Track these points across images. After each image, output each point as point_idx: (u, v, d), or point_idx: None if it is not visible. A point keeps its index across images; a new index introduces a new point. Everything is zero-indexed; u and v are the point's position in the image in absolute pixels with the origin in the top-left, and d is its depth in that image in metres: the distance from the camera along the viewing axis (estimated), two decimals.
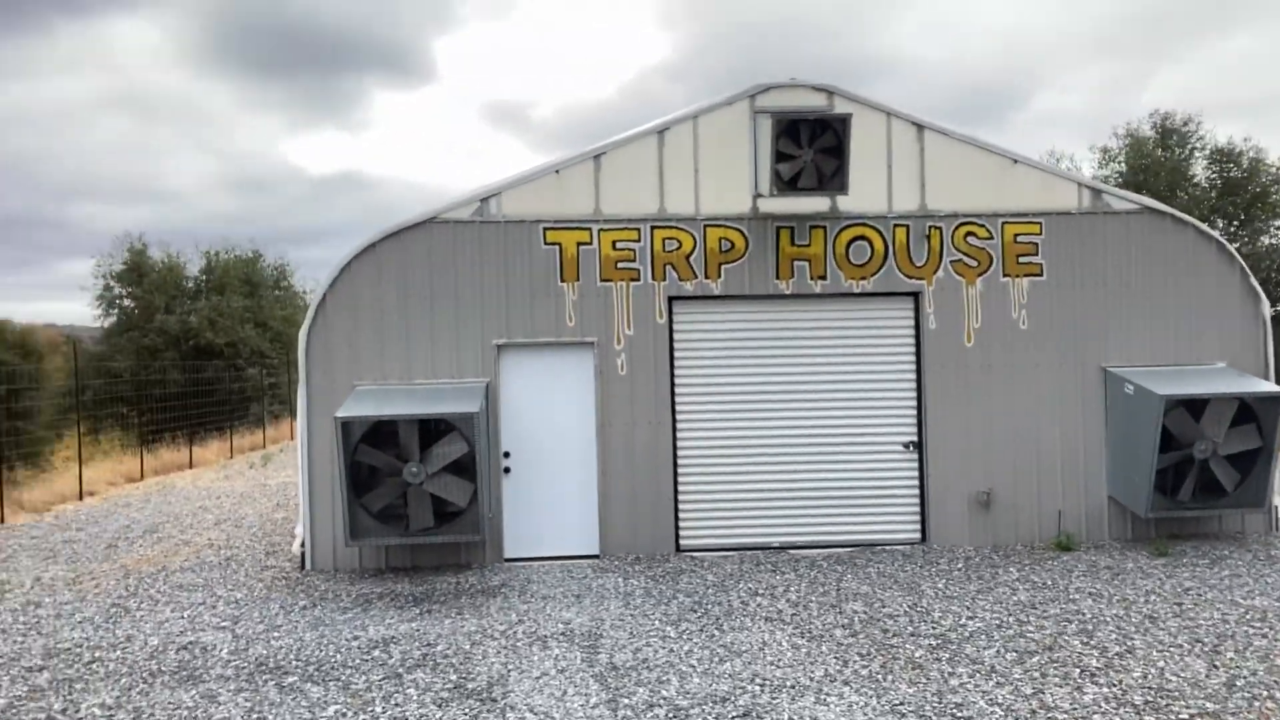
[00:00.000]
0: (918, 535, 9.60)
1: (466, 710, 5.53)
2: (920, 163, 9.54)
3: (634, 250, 9.35)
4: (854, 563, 8.91)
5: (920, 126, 9.55)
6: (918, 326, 9.62)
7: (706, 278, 9.40)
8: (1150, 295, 9.70)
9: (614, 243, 9.33)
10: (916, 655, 6.31)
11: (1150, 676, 5.84)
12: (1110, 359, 9.65)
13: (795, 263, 9.46)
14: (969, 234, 9.58)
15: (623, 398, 9.34)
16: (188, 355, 23.83)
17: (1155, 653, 6.27)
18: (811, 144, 8.77)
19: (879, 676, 5.93)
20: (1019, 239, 9.61)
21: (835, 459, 9.58)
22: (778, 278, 9.46)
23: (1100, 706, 5.40)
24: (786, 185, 8.87)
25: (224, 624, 7.39)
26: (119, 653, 6.75)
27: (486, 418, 8.83)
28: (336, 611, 7.66)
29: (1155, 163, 25.00)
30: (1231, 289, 9.75)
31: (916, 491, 9.63)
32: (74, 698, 5.90)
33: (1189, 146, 25.38)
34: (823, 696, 5.62)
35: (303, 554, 9.11)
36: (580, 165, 9.35)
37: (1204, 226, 9.88)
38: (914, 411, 9.64)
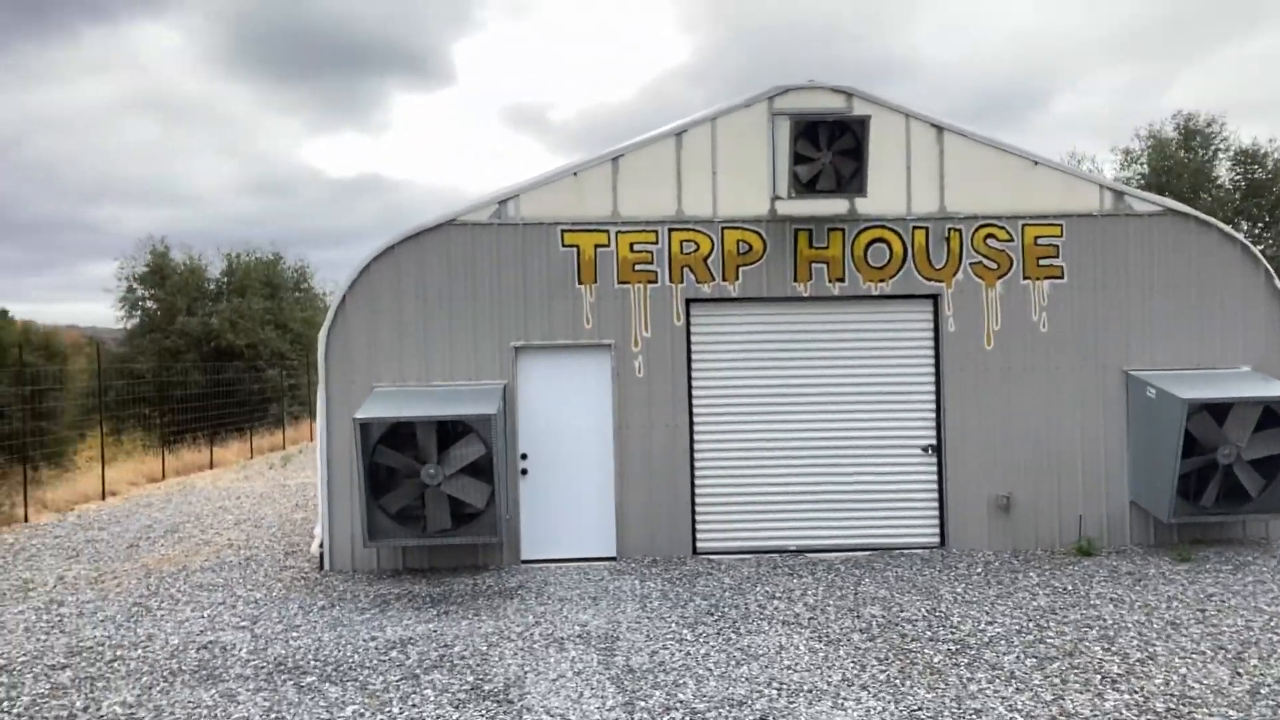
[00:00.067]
0: (936, 539, 9.55)
1: (483, 711, 5.54)
2: (939, 164, 9.49)
3: (652, 252, 9.35)
4: (872, 567, 8.87)
5: (940, 128, 9.50)
6: (937, 329, 9.57)
7: (724, 280, 9.38)
8: (1173, 298, 9.60)
9: (632, 245, 9.33)
10: (935, 660, 6.27)
11: (1172, 683, 5.78)
12: (1132, 362, 9.56)
13: (813, 265, 9.43)
14: (989, 236, 9.52)
15: (640, 400, 9.34)
16: (209, 356, 24.02)
17: (1177, 659, 6.20)
18: (830, 146, 8.75)
19: (897, 681, 5.90)
20: (1039, 241, 9.54)
21: (853, 462, 9.54)
22: (795, 280, 9.43)
23: (1121, 713, 5.34)
24: (805, 187, 8.84)
25: (243, 624, 7.44)
26: (140, 651, 6.81)
27: (504, 419, 8.86)
28: (354, 612, 7.70)
29: (1178, 164, 24.74)
30: (1256, 292, 9.64)
31: (935, 495, 9.57)
32: (95, 696, 5.96)
33: (1212, 148, 25.12)
34: (840, 701, 5.59)
35: (321, 554, 9.16)
36: (598, 167, 9.36)
37: (1228, 228, 9.78)
38: (933, 414, 9.59)
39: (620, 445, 9.32)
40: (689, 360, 9.44)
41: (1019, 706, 5.46)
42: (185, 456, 18.49)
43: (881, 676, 5.99)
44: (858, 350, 9.58)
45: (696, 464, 9.45)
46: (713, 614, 7.40)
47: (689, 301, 9.41)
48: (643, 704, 5.59)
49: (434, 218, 9.25)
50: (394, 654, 6.61)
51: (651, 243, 9.35)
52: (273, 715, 5.57)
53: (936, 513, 9.56)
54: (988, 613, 7.32)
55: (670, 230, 9.36)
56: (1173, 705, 5.44)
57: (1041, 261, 9.55)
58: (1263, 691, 5.62)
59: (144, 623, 7.54)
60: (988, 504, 9.49)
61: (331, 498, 9.08)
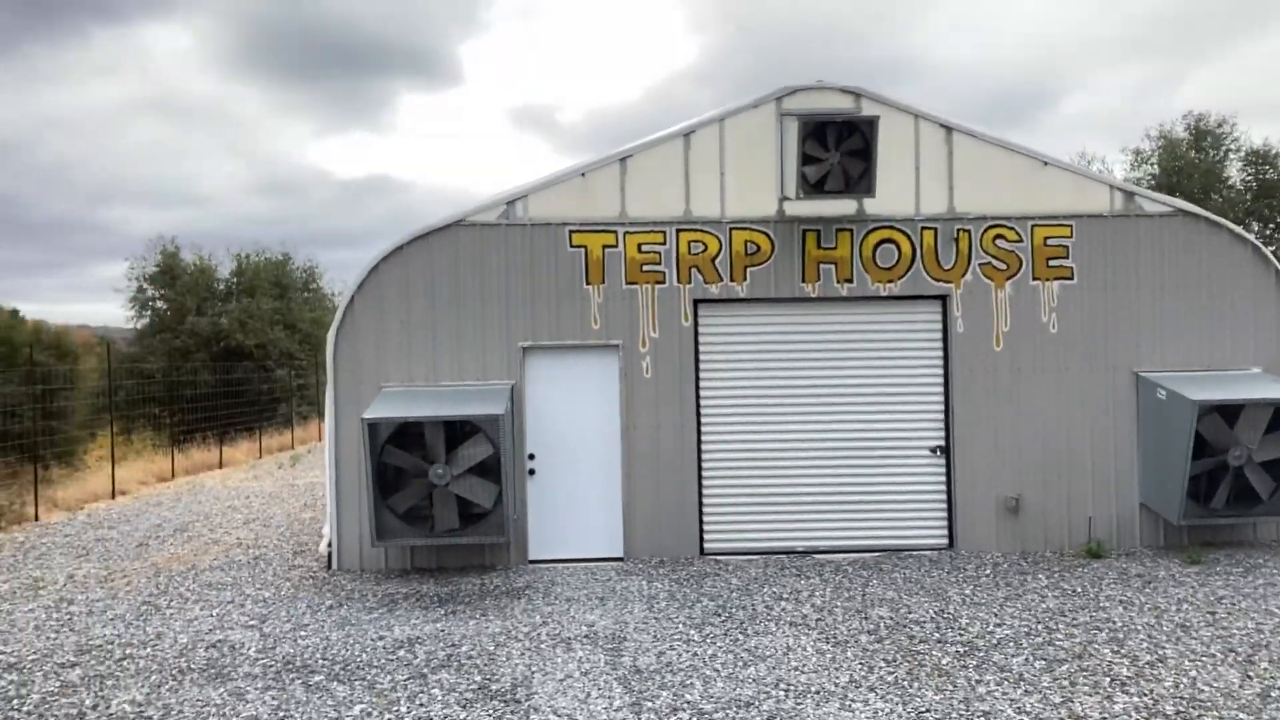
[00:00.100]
0: (945, 541, 9.52)
1: (490, 711, 5.54)
2: (949, 165, 9.47)
3: (659, 253, 9.35)
4: (880, 568, 8.85)
5: (949, 128, 9.47)
6: (945, 330, 9.54)
7: (732, 281, 9.37)
8: (1184, 299, 9.56)
9: (639, 245, 9.33)
10: (943, 662, 6.25)
11: (1182, 686, 5.75)
12: (1142, 364, 9.52)
13: (821, 266, 9.42)
14: (998, 237, 9.49)
15: (647, 400, 9.33)
16: (218, 356, 24.12)
17: (1187, 662, 6.17)
18: (838, 146, 8.73)
19: (905, 683, 5.88)
20: (1049, 242, 9.51)
21: (861, 463, 9.52)
22: (804, 281, 9.42)
23: (1131, 716, 5.32)
24: (813, 188, 8.82)
25: (252, 622, 7.46)
26: (149, 650, 6.84)
27: (512, 420, 8.86)
28: (362, 611, 7.72)
29: (1189, 165, 24.63)
30: (1267, 293, 9.58)
31: (944, 496, 9.54)
32: (105, 694, 5.98)
33: (1223, 148, 25.00)
34: (847, 703, 5.58)
35: (329, 554, 9.18)
36: (606, 168, 9.36)
37: (1239, 229, 9.73)
38: (941, 416, 9.56)
39: (627, 446, 9.32)
40: (696, 361, 9.43)
41: (1028, 709, 5.44)
42: (195, 456, 18.56)
43: (889, 678, 5.97)
44: (866, 351, 9.55)
45: (704, 464, 9.44)
46: (720, 615, 7.39)
47: (697, 302, 9.40)
48: (650, 705, 5.59)
49: (442, 218, 9.27)
50: (401, 653, 6.62)
51: (659, 243, 9.35)
52: (281, 714, 5.59)
53: (945, 514, 9.53)
54: (996, 614, 7.29)
55: (678, 231, 9.36)
56: (1182, 708, 5.42)
57: (1051, 262, 9.52)
58: (1273, 695, 5.59)
59: (153, 621, 7.57)
60: (996, 505, 9.46)
61: (340, 497, 9.10)
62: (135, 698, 5.90)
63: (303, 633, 7.16)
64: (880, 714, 5.40)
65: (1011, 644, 6.59)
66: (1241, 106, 59.12)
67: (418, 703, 5.70)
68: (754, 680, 5.95)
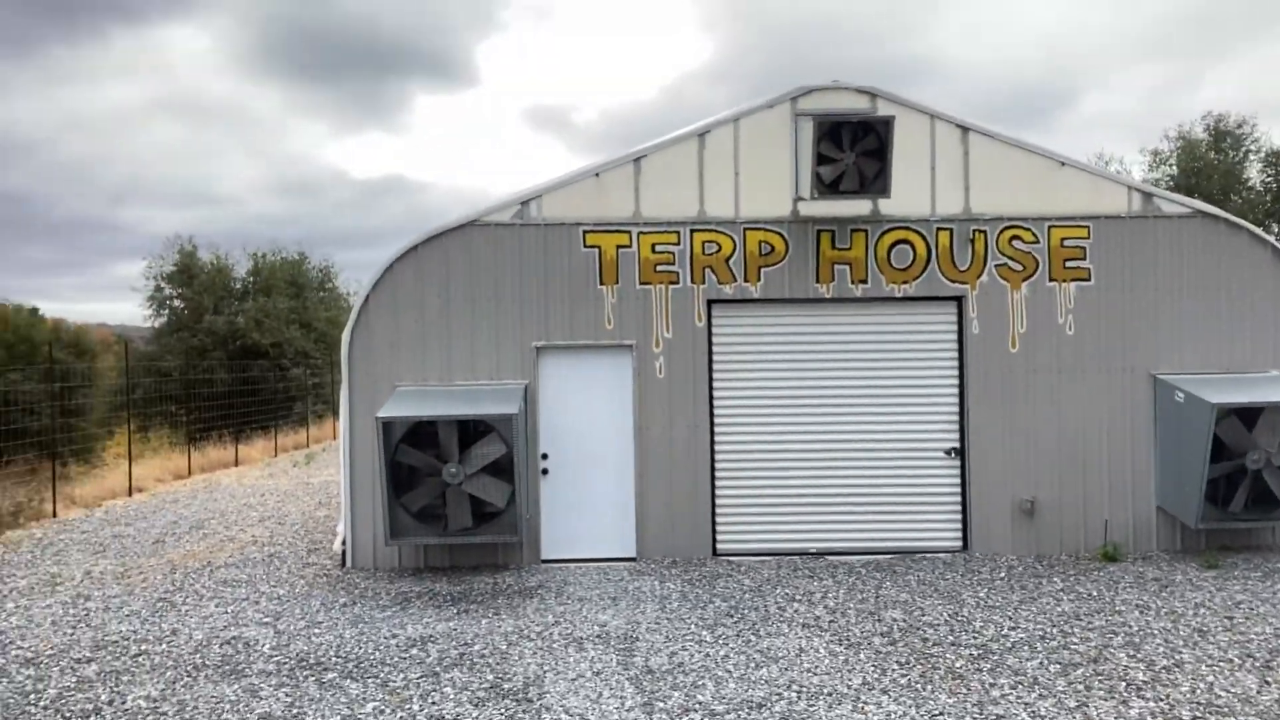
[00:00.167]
0: (959, 543, 9.47)
1: (503, 710, 5.55)
2: (964, 165, 9.42)
3: (673, 253, 9.34)
4: (893, 570, 8.81)
5: (965, 129, 9.43)
6: (960, 331, 9.49)
7: (746, 281, 9.36)
8: (1202, 301, 9.48)
9: (653, 245, 9.33)
10: (957, 665, 6.22)
11: (1199, 691, 5.70)
12: (1160, 366, 9.44)
13: (836, 266, 9.39)
14: (1014, 238, 9.44)
15: (661, 401, 9.33)
16: (234, 355, 24.28)
17: (1204, 667, 6.11)
18: (853, 147, 8.70)
19: (918, 686, 5.85)
20: (1066, 243, 9.44)
21: (875, 464, 9.48)
22: (818, 281, 9.39)
23: None
24: (828, 188, 8.80)
25: (266, 620, 7.50)
26: (164, 646, 6.88)
27: (525, 419, 8.88)
28: (376, 609, 7.75)
29: (1208, 166, 24.43)
30: None
31: (958, 498, 9.49)
32: (120, 689, 6.03)
33: (1243, 149, 24.79)
34: (860, 705, 5.55)
35: (344, 552, 9.22)
36: (620, 168, 9.36)
37: (1259, 231, 9.63)
38: (956, 417, 9.51)
39: (641, 446, 9.32)
40: (710, 361, 9.42)
41: (1042, 713, 5.40)
42: (211, 454, 18.68)
43: (902, 681, 5.94)
44: (880, 352, 9.52)
45: (717, 465, 9.42)
46: (732, 615, 7.38)
47: (710, 302, 9.39)
48: (661, 705, 5.59)
49: (456, 218, 9.29)
50: (414, 651, 6.64)
51: (673, 243, 9.34)
52: (294, 711, 5.61)
53: (959, 516, 9.48)
54: (1011, 618, 7.25)
55: (692, 231, 9.35)
56: (1199, 714, 5.37)
57: (1068, 263, 9.45)
58: None
59: (169, 618, 7.62)
60: (1011, 508, 9.40)
61: (354, 496, 9.14)
62: (150, 693, 5.94)
63: (316, 630, 7.20)
64: (893, 717, 5.37)
65: (1026, 647, 6.54)
66: (1261, 107, 58.47)
67: (430, 701, 5.72)
68: (766, 681, 5.94)
